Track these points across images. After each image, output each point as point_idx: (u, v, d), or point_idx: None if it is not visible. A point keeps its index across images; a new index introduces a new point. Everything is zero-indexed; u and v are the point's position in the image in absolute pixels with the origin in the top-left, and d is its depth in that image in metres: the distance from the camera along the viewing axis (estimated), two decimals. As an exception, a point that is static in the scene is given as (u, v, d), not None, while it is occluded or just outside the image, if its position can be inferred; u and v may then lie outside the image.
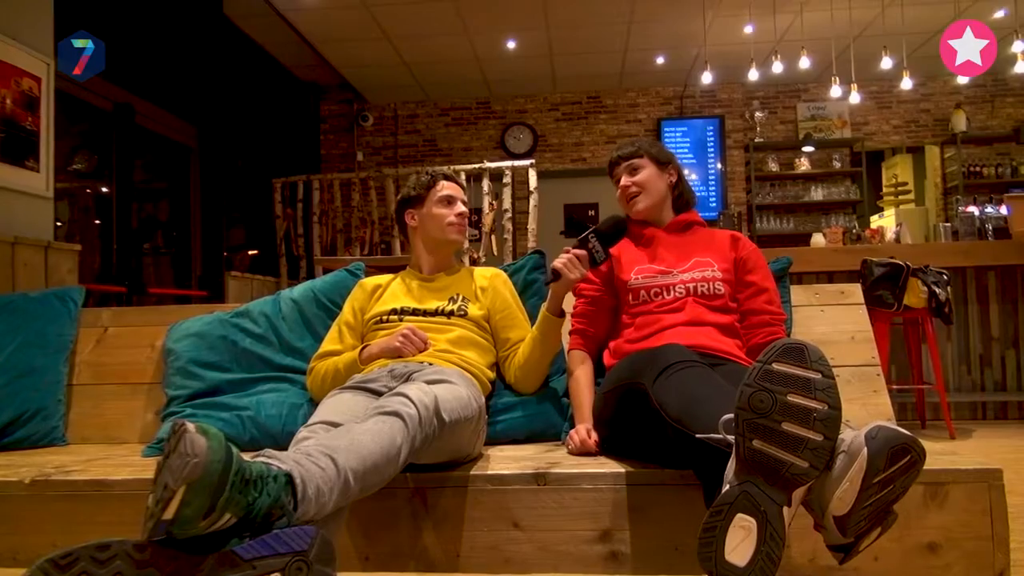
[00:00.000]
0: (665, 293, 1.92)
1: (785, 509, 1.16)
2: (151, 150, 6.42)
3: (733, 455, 1.22)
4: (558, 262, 1.84)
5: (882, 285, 3.70)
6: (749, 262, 1.98)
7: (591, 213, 8.60)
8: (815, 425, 1.17)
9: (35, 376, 2.20)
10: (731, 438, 1.23)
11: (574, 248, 1.86)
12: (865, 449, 1.16)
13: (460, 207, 2.12)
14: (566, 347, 2.07)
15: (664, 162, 2.08)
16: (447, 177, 2.15)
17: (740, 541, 1.15)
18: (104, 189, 5.74)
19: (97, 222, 5.77)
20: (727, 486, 1.20)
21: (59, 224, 5.21)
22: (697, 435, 1.30)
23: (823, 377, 1.19)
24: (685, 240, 2.04)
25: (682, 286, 1.91)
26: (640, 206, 2.05)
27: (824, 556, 1.45)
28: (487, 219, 5.88)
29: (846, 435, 1.21)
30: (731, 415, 1.22)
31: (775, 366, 1.20)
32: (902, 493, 1.20)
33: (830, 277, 4.30)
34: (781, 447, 1.17)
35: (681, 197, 2.12)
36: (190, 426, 1.02)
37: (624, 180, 2.07)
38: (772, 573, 1.14)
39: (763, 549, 1.14)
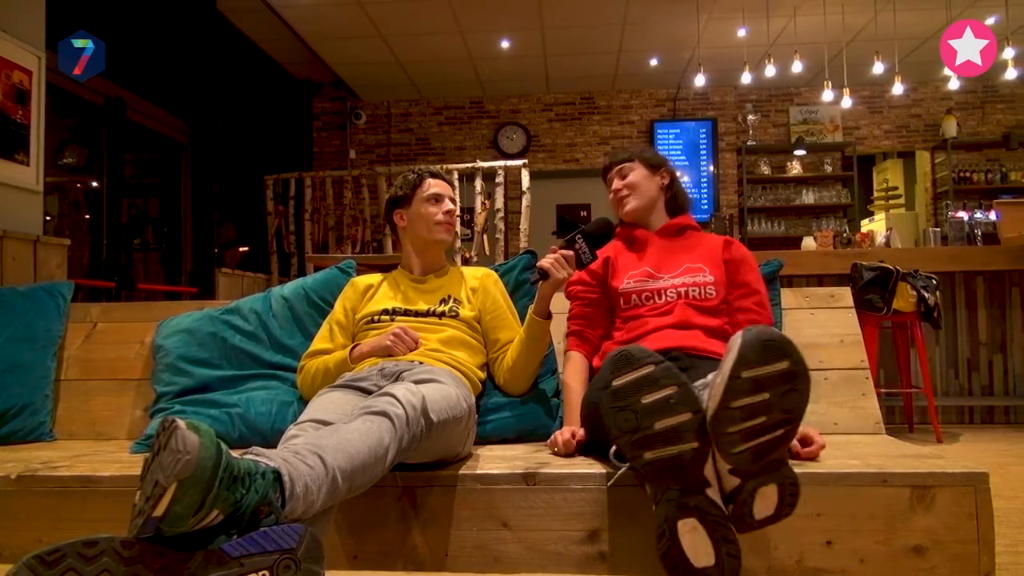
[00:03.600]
0: (656, 297, 1.92)
1: (708, 491, 1.18)
2: (142, 145, 6.39)
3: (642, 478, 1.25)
4: (545, 262, 1.84)
5: (872, 289, 3.72)
6: (742, 266, 1.99)
7: (583, 214, 8.60)
8: (677, 408, 1.20)
9: (22, 371, 2.19)
10: (623, 465, 1.26)
11: (561, 248, 1.86)
12: (739, 339, 1.19)
13: (448, 204, 2.10)
14: (558, 347, 2.07)
15: (656, 166, 2.09)
16: (433, 175, 2.13)
17: (695, 543, 1.17)
18: (94, 184, 5.71)
19: (87, 217, 5.74)
20: (654, 507, 1.23)
21: (48, 218, 5.18)
22: (608, 484, 1.35)
23: (656, 366, 1.23)
24: (678, 244, 2.04)
25: (673, 290, 1.92)
26: (629, 206, 2.07)
27: (811, 558, 1.46)
28: (479, 218, 5.88)
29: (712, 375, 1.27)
30: (614, 448, 1.25)
31: (616, 383, 1.24)
32: (783, 419, 1.20)
33: (820, 280, 4.32)
34: (666, 444, 1.20)
35: (674, 200, 2.12)
36: (181, 423, 1.02)
37: (616, 184, 2.09)
38: (738, 552, 1.16)
39: (717, 537, 1.16)
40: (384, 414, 1.38)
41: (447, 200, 2.10)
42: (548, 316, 1.92)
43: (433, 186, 2.10)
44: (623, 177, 2.08)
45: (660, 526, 1.18)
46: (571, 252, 1.85)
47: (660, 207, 2.10)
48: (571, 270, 1.85)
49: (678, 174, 2.17)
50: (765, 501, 1.23)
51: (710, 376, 1.27)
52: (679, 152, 8.47)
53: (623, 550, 1.51)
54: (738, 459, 1.20)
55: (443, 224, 2.09)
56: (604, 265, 2.03)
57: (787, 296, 2.26)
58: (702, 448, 1.18)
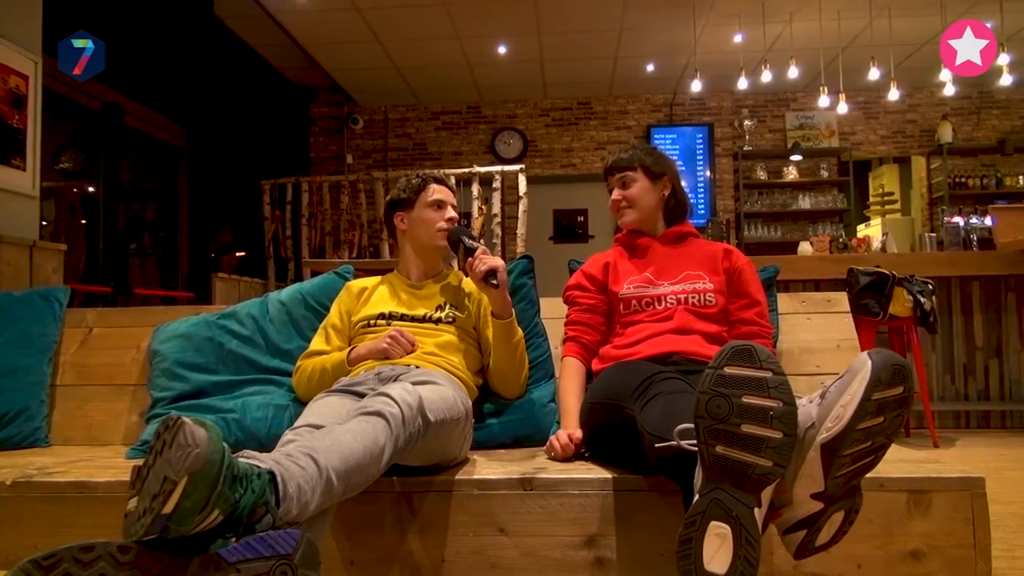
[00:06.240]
0: (656, 304, 1.92)
1: (756, 511, 1.17)
2: (139, 150, 6.39)
3: (699, 463, 1.22)
4: (483, 266, 1.86)
5: (868, 294, 3.72)
6: (742, 275, 1.98)
7: (580, 219, 8.63)
8: (773, 423, 1.17)
9: (18, 376, 2.18)
10: (684, 443, 1.24)
11: (469, 258, 1.91)
12: (869, 360, 1.17)
13: (450, 212, 2.09)
14: (555, 352, 2.06)
15: (658, 174, 2.07)
16: (438, 180, 2.13)
17: (717, 549, 1.15)
18: (91, 189, 5.71)
19: (83, 222, 5.73)
20: (697, 496, 1.20)
21: (45, 223, 5.17)
22: (656, 445, 1.31)
23: (774, 375, 1.19)
24: (678, 252, 2.04)
25: (673, 296, 1.92)
26: (627, 219, 2.07)
27: (808, 563, 1.46)
28: (476, 224, 5.88)
29: (806, 398, 1.24)
30: (688, 425, 1.23)
31: (727, 370, 1.21)
32: (884, 444, 1.20)
33: (816, 285, 4.32)
34: (743, 449, 1.17)
35: (676, 208, 2.11)
36: (186, 419, 1.02)
37: (616, 193, 2.08)
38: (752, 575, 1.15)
39: (740, 554, 1.14)
40: (379, 414, 1.38)
41: (449, 207, 2.10)
42: (506, 316, 1.92)
43: (437, 192, 2.10)
44: (623, 186, 2.07)
45: (693, 516, 1.17)
46: (477, 247, 1.92)
47: (659, 216, 2.09)
48: (494, 256, 1.90)
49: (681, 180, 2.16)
50: (830, 528, 1.22)
51: (806, 398, 1.24)
52: (676, 157, 8.49)
53: (621, 556, 1.51)
54: (835, 483, 1.18)
55: (444, 231, 2.08)
56: (605, 270, 2.03)
57: (783, 301, 2.27)
58: (774, 471, 1.16)
